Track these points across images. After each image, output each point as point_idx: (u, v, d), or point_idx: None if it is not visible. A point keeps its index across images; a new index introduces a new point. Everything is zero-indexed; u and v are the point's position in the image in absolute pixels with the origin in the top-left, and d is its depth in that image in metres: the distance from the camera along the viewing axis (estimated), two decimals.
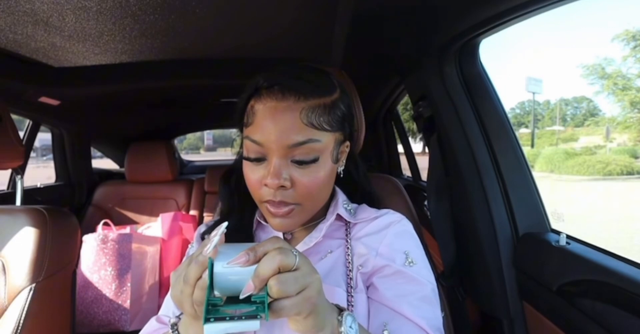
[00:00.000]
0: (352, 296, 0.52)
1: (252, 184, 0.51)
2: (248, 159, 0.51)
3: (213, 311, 0.35)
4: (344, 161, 0.58)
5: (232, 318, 0.35)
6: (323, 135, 0.49)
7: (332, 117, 0.51)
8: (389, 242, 0.55)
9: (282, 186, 0.48)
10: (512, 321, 0.86)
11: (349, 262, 0.54)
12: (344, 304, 0.51)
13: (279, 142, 0.47)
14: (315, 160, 0.49)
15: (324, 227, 0.56)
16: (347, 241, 0.57)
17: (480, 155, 0.91)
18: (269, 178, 0.48)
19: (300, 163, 0.49)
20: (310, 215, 0.55)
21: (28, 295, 0.84)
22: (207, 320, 0.34)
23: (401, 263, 0.53)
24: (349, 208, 0.60)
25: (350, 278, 0.53)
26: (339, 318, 0.40)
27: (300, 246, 0.55)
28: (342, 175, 0.58)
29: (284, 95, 0.48)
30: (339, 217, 0.58)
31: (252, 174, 0.51)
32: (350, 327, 0.40)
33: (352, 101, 0.61)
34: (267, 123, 0.48)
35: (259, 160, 0.50)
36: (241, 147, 0.55)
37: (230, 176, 0.64)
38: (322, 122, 0.49)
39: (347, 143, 0.57)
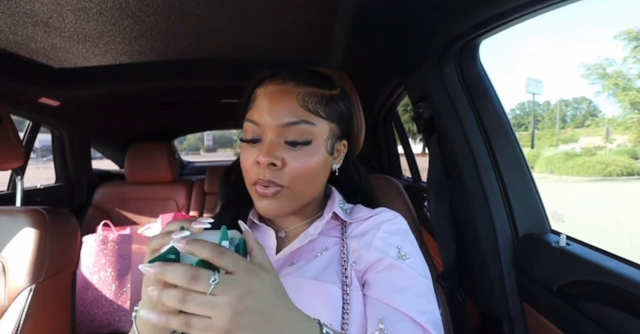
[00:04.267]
0: (347, 294, 0.52)
1: (246, 166, 0.53)
2: (245, 141, 0.53)
3: None
4: (341, 160, 0.59)
5: None
6: (318, 120, 0.52)
7: (329, 109, 0.54)
8: (382, 236, 0.55)
9: (273, 164, 0.50)
10: (512, 322, 0.86)
11: (344, 260, 0.54)
12: (339, 302, 0.51)
13: (274, 120, 0.50)
14: (307, 143, 0.51)
15: (320, 225, 0.56)
16: (342, 239, 0.57)
17: (480, 156, 0.91)
18: (261, 155, 0.50)
19: (293, 144, 0.51)
20: (298, 202, 0.55)
21: (28, 296, 0.84)
22: None
23: (394, 257, 0.53)
24: (344, 207, 0.61)
25: (346, 276, 0.53)
26: None
27: (295, 244, 0.55)
28: (337, 173, 0.59)
29: (283, 81, 0.53)
30: (335, 216, 0.59)
31: (247, 155, 0.53)
32: None
33: (352, 104, 0.62)
34: (265, 103, 0.52)
35: (255, 141, 0.52)
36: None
37: (230, 174, 0.66)
38: (318, 108, 0.52)
39: (345, 142, 0.58)
